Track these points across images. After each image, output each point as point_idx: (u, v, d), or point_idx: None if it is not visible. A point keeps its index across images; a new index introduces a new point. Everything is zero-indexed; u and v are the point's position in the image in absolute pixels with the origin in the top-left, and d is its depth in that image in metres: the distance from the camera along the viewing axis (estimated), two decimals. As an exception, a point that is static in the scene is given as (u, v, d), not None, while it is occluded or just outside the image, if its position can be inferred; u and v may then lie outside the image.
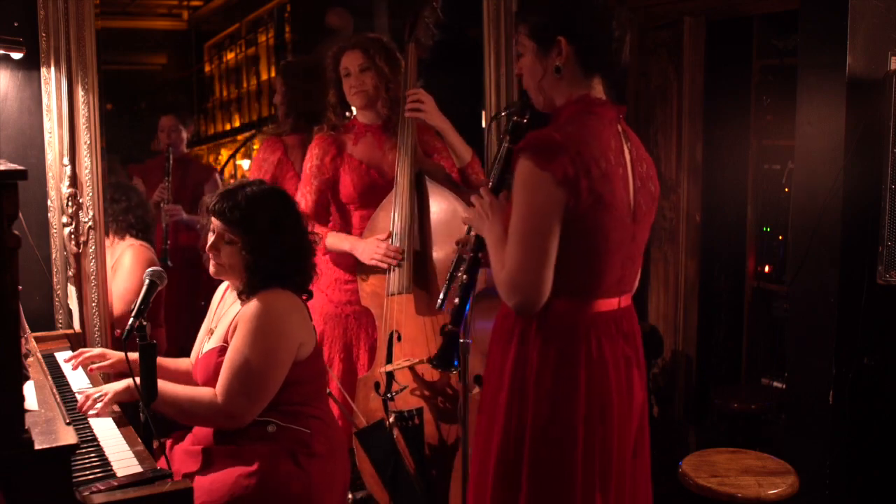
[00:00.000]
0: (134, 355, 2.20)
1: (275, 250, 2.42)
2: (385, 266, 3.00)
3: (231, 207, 2.41)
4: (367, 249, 3.01)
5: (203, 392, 2.41)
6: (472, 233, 2.26)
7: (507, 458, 2.04)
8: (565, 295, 2.00)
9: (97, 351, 2.69)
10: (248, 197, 2.43)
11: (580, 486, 2.01)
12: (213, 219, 2.46)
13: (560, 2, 2.04)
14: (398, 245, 2.99)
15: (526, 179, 1.93)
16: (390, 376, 3.03)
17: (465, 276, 2.27)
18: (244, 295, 2.45)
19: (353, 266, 3.17)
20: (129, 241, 3.58)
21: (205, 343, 2.60)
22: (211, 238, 2.47)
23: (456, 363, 2.31)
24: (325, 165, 3.14)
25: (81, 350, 2.72)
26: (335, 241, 3.11)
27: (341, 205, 3.21)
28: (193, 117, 4.39)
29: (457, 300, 2.27)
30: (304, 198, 3.17)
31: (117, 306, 3.33)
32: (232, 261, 2.44)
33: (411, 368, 3.01)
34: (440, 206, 3.01)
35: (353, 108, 3.22)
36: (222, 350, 2.44)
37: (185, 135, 4.10)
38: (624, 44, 2.05)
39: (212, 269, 2.50)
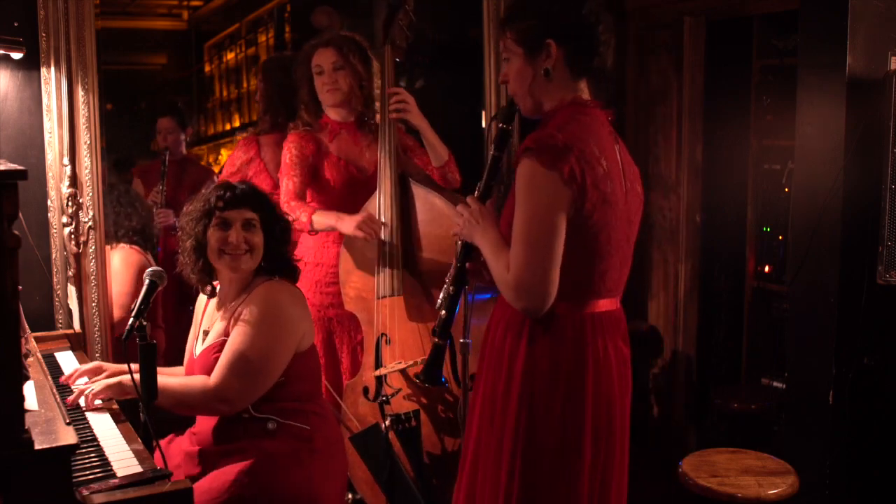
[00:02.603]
0: (135, 365, 2.19)
1: (281, 230, 2.53)
2: (366, 236, 2.98)
3: (240, 193, 2.48)
4: (350, 221, 3.00)
5: (195, 378, 2.43)
6: (458, 242, 2.24)
7: (516, 458, 2.03)
8: (571, 296, 2.01)
9: (92, 365, 2.59)
10: (244, 184, 2.54)
11: (587, 481, 2.05)
12: (226, 213, 2.45)
13: (548, 6, 2.05)
14: (386, 240, 2.99)
15: (532, 180, 1.93)
16: (380, 380, 3.02)
17: (451, 288, 2.25)
18: (255, 279, 2.49)
19: (334, 269, 3.16)
20: (120, 245, 3.57)
21: (197, 345, 2.59)
22: (233, 233, 2.44)
23: (444, 380, 2.30)
24: (306, 156, 3.15)
25: (76, 368, 2.60)
26: (322, 218, 3.09)
27: (325, 197, 3.20)
28: (193, 118, 4.36)
29: (443, 313, 2.24)
30: (290, 181, 3.15)
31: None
32: (256, 244, 2.47)
33: (403, 371, 3.01)
34: (427, 206, 3.00)
35: (325, 106, 3.20)
36: (222, 345, 2.44)
37: (183, 136, 4.08)
38: (610, 48, 2.07)
39: (234, 262, 2.45)
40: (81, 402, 2.39)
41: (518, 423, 2.03)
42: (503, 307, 2.12)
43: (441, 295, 2.46)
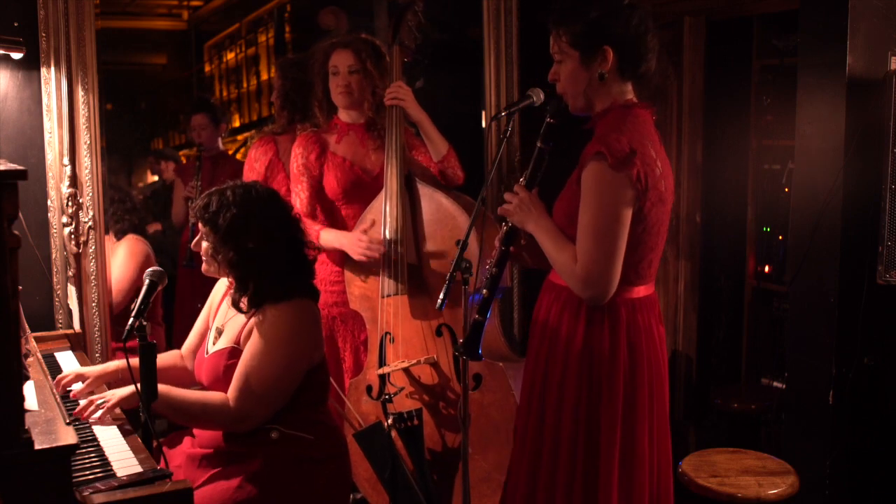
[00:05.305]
0: (134, 361, 2.17)
1: (243, 250, 2.39)
2: (369, 259, 2.98)
3: (204, 206, 2.44)
4: (352, 245, 3.02)
5: (214, 396, 2.40)
6: (505, 225, 2.33)
7: (579, 438, 2.20)
8: (625, 282, 2.18)
9: (72, 375, 2.53)
10: (220, 197, 2.43)
11: (647, 454, 2.26)
12: (198, 224, 2.49)
13: (606, 12, 2.16)
14: (392, 239, 2.98)
15: (603, 181, 2.10)
16: (383, 379, 3.02)
17: (494, 269, 2.33)
18: (248, 301, 2.43)
19: (339, 267, 3.16)
20: (127, 237, 3.60)
21: (209, 343, 2.58)
22: (195, 243, 2.51)
23: (480, 351, 2.35)
24: (311, 163, 3.15)
25: (59, 378, 2.55)
26: (329, 238, 3.10)
27: (328, 203, 3.21)
28: (227, 114, 4.35)
29: (485, 292, 2.33)
30: (298, 196, 3.17)
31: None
32: (209, 258, 2.47)
33: (406, 370, 3.01)
34: (433, 206, 3.00)
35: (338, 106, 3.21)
36: (233, 352, 2.43)
37: (218, 132, 4.08)
38: (654, 54, 2.21)
39: (203, 266, 2.52)
40: (98, 414, 2.31)
41: (578, 402, 2.19)
42: (555, 292, 2.27)
43: (442, 293, 2.52)
